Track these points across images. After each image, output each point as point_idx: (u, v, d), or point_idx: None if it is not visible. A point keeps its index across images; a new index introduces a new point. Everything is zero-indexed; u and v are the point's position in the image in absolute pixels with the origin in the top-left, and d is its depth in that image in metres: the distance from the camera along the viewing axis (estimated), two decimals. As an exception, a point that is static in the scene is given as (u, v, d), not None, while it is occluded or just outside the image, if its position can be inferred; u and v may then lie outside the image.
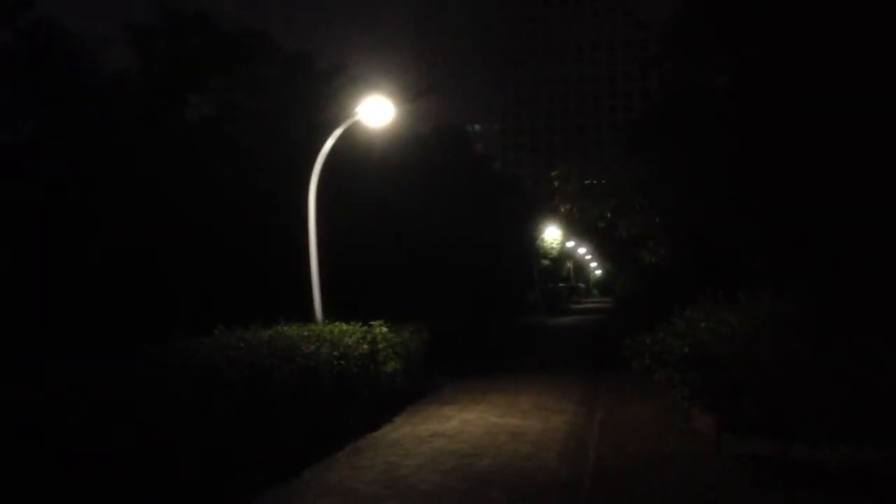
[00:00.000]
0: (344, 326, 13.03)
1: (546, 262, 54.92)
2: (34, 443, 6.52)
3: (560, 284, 66.28)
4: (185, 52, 23.64)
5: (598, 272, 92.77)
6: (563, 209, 17.83)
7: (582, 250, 71.71)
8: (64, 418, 6.76)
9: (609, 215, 16.69)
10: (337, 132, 14.20)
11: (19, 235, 15.05)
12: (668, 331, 10.56)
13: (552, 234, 55.46)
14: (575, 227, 57.99)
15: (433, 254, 25.31)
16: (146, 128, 20.17)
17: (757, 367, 9.01)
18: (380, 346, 13.52)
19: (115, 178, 16.90)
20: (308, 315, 13.45)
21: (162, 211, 16.86)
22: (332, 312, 13.88)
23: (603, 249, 53.08)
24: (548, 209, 56.62)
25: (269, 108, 22.85)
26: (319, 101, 21.72)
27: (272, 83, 23.33)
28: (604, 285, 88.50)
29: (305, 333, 11.60)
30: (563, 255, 63.58)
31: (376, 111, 14.13)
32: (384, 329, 14.04)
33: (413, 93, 26.90)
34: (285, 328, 11.76)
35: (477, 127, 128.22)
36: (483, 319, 30.63)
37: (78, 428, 6.84)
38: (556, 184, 17.64)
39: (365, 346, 12.77)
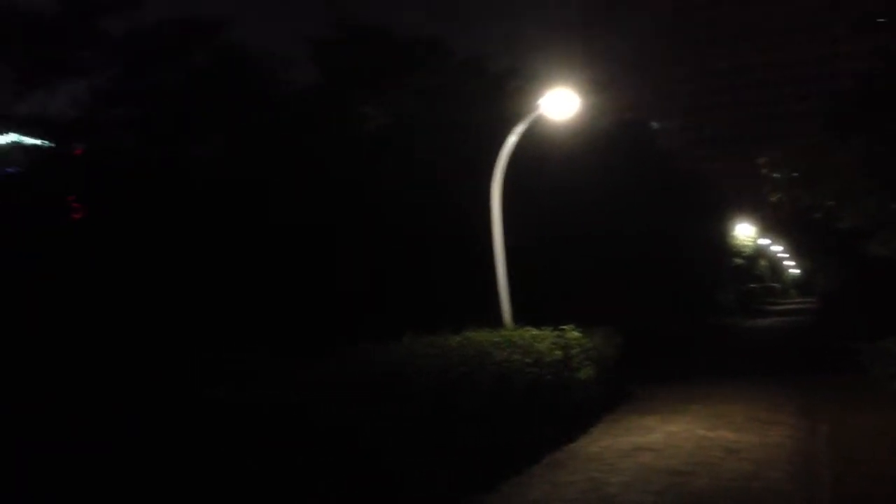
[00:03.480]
0: (534, 331, 12.36)
1: (739, 260, 51.59)
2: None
3: (752, 285, 62.29)
4: (363, 65, 24.04)
5: (795, 271, 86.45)
6: (772, 199, 16.24)
7: (776, 248, 67.00)
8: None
9: (832, 203, 14.81)
10: (520, 127, 13.69)
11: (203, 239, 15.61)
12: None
13: (745, 232, 52.06)
14: (769, 222, 54.12)
15: (617, 251, 24.19)
16: (327, 141, 20.62)
17: None
18: (573, 351, 12.74)
19: (295, 188, 17.32)
20: (489, 317, 12.94)
21: (345, 216, 17.09)
22: (514, 314, 13.37)
23: (803, 245, 49.04)
24: (736, 204, 53.29)
25: (445, 113, 22.72)
26: (497, 103, 21.30)
27: (447, 90, 23.22)
28: (801, 284, 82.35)
29: (496, 339, 11.07)
30: (757, 253, 59.65)
31: (559, 104, 13.66)
32: (576, 333, 13.24)
33: (593, 86, 25.94)
34: (473, 334, 11.28)
35: (655, 125, 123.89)
36: (672, 320, 28.95)
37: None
38: (763, 171, 16.09)
39: (558, 352, 12.03)
